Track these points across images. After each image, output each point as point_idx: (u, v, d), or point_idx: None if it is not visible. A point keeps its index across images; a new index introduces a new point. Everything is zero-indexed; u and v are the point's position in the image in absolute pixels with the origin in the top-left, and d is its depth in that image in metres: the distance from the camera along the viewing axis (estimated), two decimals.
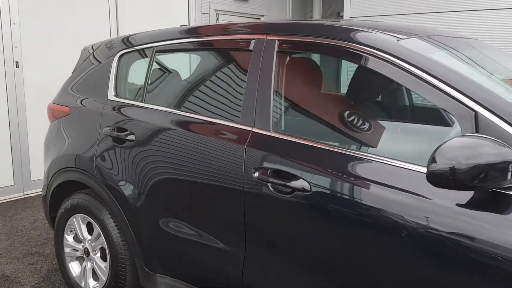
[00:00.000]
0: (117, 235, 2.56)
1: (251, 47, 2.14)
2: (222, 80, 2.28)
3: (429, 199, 1.52)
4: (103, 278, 2.67)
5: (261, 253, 1.97)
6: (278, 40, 2.06)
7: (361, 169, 1.69)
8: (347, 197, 1.69)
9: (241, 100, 2.11)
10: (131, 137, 2.44)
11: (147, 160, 2.36)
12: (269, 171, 1.89)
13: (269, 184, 1.88)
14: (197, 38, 2.39)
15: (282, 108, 2.03)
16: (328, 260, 1.77)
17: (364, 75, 2.12)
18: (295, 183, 1.81)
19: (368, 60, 1.80)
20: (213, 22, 6.93)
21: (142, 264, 2.47)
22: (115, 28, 5.72)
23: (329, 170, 1.75)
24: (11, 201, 4.89)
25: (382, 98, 2.27)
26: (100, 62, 2.87)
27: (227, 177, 2.04)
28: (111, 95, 2.70)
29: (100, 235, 2.65)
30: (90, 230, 2.75)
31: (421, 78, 1.66)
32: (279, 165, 1.87)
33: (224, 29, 2.30)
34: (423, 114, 2.27)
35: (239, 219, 2.00)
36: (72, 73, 3.09)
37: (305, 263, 1.84)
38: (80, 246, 2.82)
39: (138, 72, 2.73)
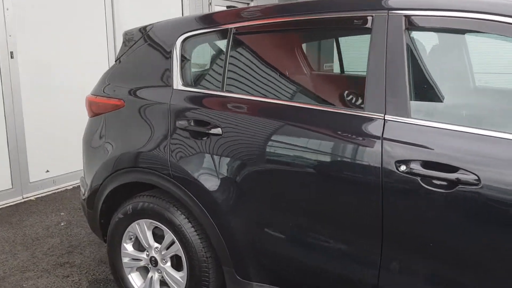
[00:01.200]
0: (197, 241, 2.28)
1: (368, 25, 1.91)
2: (329, 64, 2.04)
3: None
4: None
5: (405, 257, 1.77)
6: (405, 15, 1.84)
7: None
8: None
9: (359, 85, 1.88)
10: (216, 130, 2.16)
11: (241, 155, 2.09)
12: (419, 163, 1.69)
13: (419, 178, 1.68)
14: (292, 17, 2.12)
15: (423, 91, 1.83)
16: (495, 266, 1.59)
17: None
18: (459, 176, 1.61)
19: None
20: (206, 8, 6.57)
21: (233, 271, 2.20)
22: (110, 15, 5.29)
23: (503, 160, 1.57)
24: (11, 206, 4.41)
25: None
26: (156, 48, 2.54)
27: (356, 172, 1.82)
28: (177, 84, 2.39)
29: (173, 242, 2.36)
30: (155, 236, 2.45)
31: None
32: (436, 156, 1.67)
33: (324, 5, 2.05)
34: None
35: (374, 217, 1.79)
36: (116, 60, 2.73)
37: (466, 268, 1.66)
38: (143, 255, 2.51)
39: (205, 57, 2.45)
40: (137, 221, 2.46)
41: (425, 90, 1.86)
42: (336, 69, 2.02)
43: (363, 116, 1.85)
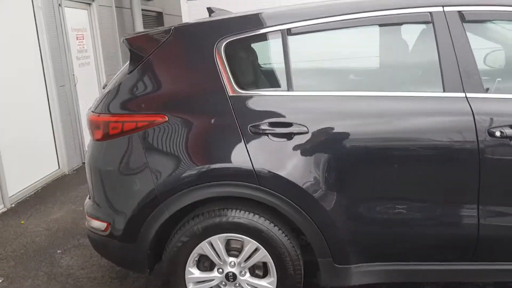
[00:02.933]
0: (287, 242, 2.29)
1: (427, 19, 2.24)
2: (402, 55, 2.30)
3: None
4: None
5: (499, 214, 2.18)
6: (458, 11, 2.23)
7: None
8: None
9: (436, 71, 2.20)
10: (302, 129, 2.20)
11: (333, 150, 2.20)
12: (505, 126, 2.10)
13: (508, 140, 2.11)
14: (354, 15, 2.29)
15: (487, 71, 2.24)
16: None
17: None
18: None
19: None
20: (56, 8, 5.84)
21: (331, 261, 2.30)
22: None
23: None
24: None
25: None
26: (191, 53, 2.37)
27: (454, 144, 2.14)
28: (232, 89, 2.29)
29: (256, 250, 2.30)
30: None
31: None
32: None
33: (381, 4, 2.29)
34: None
35: (473, 178, 2.15)
36: (129, 72, 2.41)
37: None
38: (214, 274, 2.37)
39: (252, 59, 2.42)
40: (208, 239, 2.31)
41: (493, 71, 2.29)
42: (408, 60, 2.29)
43: (446, 97, 2.18)
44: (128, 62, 2.49)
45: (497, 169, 2.15)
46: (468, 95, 2.17)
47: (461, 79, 2.18)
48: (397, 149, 2.19)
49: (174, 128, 2.28)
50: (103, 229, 2.46)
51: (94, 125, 2.45)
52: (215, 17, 2.54)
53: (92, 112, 2.49)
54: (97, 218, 2.48)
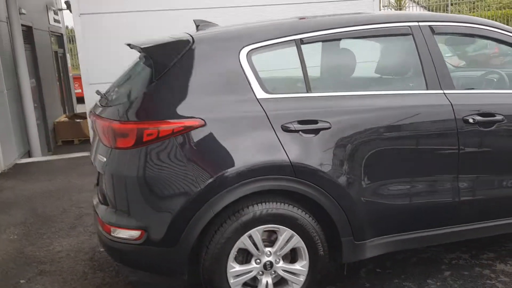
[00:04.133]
0: (317, 226, 2.58)
1: (407, 31, 2.77)
2: (394, 60, 2.78)
3: None
4: (300, 278, 2.60)
5: (474, 182, 2.78)
6: (429, 25, 2.81)
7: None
8: None
9: (420, 74, 2.74)
10: (326, 124, 2.53)
11: (353, 141, 2.57)
12: (475, 114, 2.71)
13: (478, 125, 2.72)
14: (356, 27, 2.71)
15: (452, 70, 2.84)
16: None
17: None
18: (497, 118, 2.75)
19: None
20: None
21: (352, 239, 2.64)
22: None
23: None
24: None
25: None
26: (216, 60, 2.53)
27: (441, 130, 2.68)
28: (260, 93, 2.52)
29: (291, 238, 2.54)
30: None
31: None
32: (484, 109, 2.74)
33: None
34: None
35: (455, 158, 2.72)
36: (156, 79, 2.46)
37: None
38: (252, 265, 2.54)
39: (272, 65, 2.68)
40: (248, 232, 2.47)
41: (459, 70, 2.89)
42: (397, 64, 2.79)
43: (430, 93, 2.72)
44: (136, 68, 2.55)
45: (471, 147, 2.75)
46: (445, 91, 2.74)
47: (438, 79, 2.75)
48: (398, 136, 2.66)
49: (212, 131, 2.41)
50: (136, 237, 2.45)
51: (119, 133, 2.43)
52: (236, 26, 2.74)
53: (113, 120, 2.47)
54: (128, 227, 2.46)
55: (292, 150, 2.47)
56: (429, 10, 18.69)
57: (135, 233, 2.44)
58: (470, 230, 2.85)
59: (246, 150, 2.45)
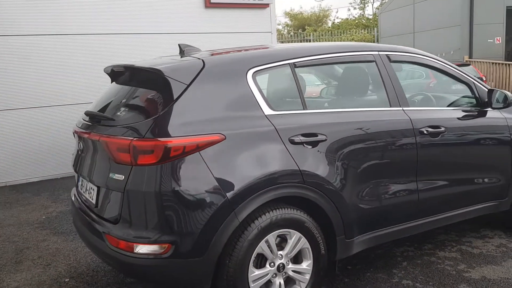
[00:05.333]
0: (318, 228, 2.89)
1: (372, 59, 3.31)
2: (366, 82, 3.26)
3: None
4: (306, 277, 2.87)
5: (428, 182, 3.35)
6: (386, 54, 3.38)
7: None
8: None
9: (384, 93, 3.28)
10: (322, 137, 2.89)
11: (345, 153, 2.96)
12: (427, 127, 3.32)
13: (429, 135, 3.33)
14: (334, 54, 3.15)
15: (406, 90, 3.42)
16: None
17: None
18: (441, 130, 3.38)
19: None
20: None
21: (344, 237, 3.00)
22: None
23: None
24: None
25: None
26: (226, 81, 2.73)
27: (405, 140, 3.22)
28: (267, 110, 2.78)
29: (299, 240, 2.81)
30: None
31: None
32: (432, 123, 3.35)
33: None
34: None
35: (414, 162, 3.27)
36: (175, 98, 2.58)
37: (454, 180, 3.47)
38: (267, 269, 2.74)
39: (272, 85, 2.97)
40: (265, 238, 2.69)
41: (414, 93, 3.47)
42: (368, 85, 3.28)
43: (393, 110, 3.26)
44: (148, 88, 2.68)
45: (425, 153, 3.34)
46: (404, 108, 3.31)
47: (397, 98, 3.31)
48: (374, 145, 3.12)
49: (231, 145, 2.60)
50: (161, 251, 2.50)
51: (142, 150, 2.49)
52: (242, 50, 2.96)
53: (134, 137, 2.52)
54: (152, 242, 2.50)
55: (299, 160, 2.77)
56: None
57: (160, 248, 2.50)
58: (427, 222, 3.42)
59: (263, 161, 2.68)
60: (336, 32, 26.75)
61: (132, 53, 7.29)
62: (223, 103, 2.70)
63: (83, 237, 3.06)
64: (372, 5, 33.28)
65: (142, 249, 2.51)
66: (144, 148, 2.49)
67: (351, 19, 32.33)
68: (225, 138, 2.59)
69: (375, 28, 24.05)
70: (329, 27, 33.96)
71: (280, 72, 3.02)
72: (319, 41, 24.28)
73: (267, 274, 2.75)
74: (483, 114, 3.72)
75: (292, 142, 2.77)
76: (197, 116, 2.61)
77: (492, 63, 13.81)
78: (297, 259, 2.89)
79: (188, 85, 2.63)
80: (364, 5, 33.21)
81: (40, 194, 6.13)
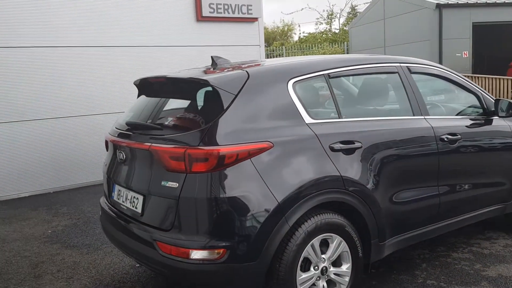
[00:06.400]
0: (356, 231, 3.01)
1: (395, 70, 3.49)
2: (389, 91, 3.43)
3: None
4: (345, 279, 2.98)
5: (446, 187, 3.54)
6: (407, 66, 3.57)
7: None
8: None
9: (407, 103, 3.46)
10: (358, 144, 3.03)
11: (378, 159, 3.10)
12: (447, 134, 3.52)
13: (449, 142, 3.52)
14: (362, 65, 3.31)
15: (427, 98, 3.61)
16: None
17: None
18: (457, 136, 3.59)
19: None
20: None
21: (377, 241, 3.13)
22: None
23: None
24: None
25: None
26: (269, 91, 2.83)
27: (428, 147, 3.40)
28: (308, 119, 2.89)
29: (340, 244, 2.92)
30: None
31: None
32: (450, 130, 3.55)
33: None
34: None
35: (436, 168, 3.46)
36: (226, 109, 2.65)
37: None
38: (312, 272, 2.83)
39: (310, 95, 3.09)
40: (311, 242, 2.79)
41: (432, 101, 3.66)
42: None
43: (416, 119, 3.44)
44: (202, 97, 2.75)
45: (446, 160, 3.53)
46: (425, 117, 3.50)
47: (419, 107, 3.49)
48: (402, 152, 3.28)
49: (279, 152, 2.70)
50: (216, 257, 2.55)
51: (197, 158, 2.55)
52: (283, 61, 3.07)
53: (188, 146, 2.58)
54: (208, 248, 2.55)
55: (340, 166, 2.89)
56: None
57: (216, 253, 2.55)
58: (446, 225, 3.60)
59: (309, 167, 2.79)
60: (304, 46, 27.27)
61: (129, 66, 7.30)
62: (267, 112, 2.80)
63: (122, 245, 3.07)
64: (339, 20, 34.18)
65: (197, 254, 2.56)
66: (199, 156, 2.55)
67: (318, 33, 32.99)
68: (273, 146, 2.68)
69: (345, 42, 24.71)
70: (296, 41, 34.57)
71: (317, 82, 3.15)
72: (291, 55, 24.71)
73: (312, 277, 2.84)
74: (490, 122, 3.95)
75: (332, 149, 2.89)
76: (245, 124, 2.69)
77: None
78: (335, 262, 2.99)
79: (236, 95, 2.72)
80: (331, 20, 34.02)
81: (37, 209, 6.00)
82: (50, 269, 3.97)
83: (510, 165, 4.02)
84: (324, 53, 23.83)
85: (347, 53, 22.85)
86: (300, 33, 42.48)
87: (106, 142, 3.35)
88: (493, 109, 3.98)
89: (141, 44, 7.53)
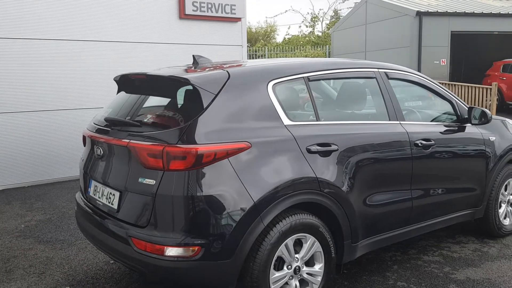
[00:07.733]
0: (329, 232, 3.06)
1: (373, 75, 3.56)
2: (367, 96, 3.50)
3: None
4: (318, 279, 3.03)
5: (419, 191, 3.62)
6: (385, 72, 3.65)
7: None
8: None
9: (383, 108, 3.53)
10: (334, 147, 3.08)
11: (353, 162, 3.16)
12: (421, 140, 3.60)
13: (423, 147, 3.61)
14: (341, 70, 3.37)
15: (403, 104, 3.68)
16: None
17: None
18: (431, 142, 3.68)
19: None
20: None
21: (350, 242, 3.19)
22: None
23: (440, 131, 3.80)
24: None
25: None
26: (249, 93, 2.86)
27: (403, 151, 3.48)
28: (286, 121, 2.94)
29: (313, 244, 2.97)
30: None
31: None
32: (424, 136, 3.63)
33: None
34: None
35: (409, 172, 3.54)
36: (206, 108, 2.67)
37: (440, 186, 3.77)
38: (285, 271, 2.87)
39: (289, 97, 3.14)
40: (285, 241, 2.83)
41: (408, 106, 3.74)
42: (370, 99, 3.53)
43: (391, 123, 3.52)
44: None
45: (420, 164, 3.61)
46: (401, 122, 3.58)
47: (395, 113, 3.57)
48: (377, 155, 3.35)
49: (257, 153, 2.74)
50: (191, 254, 2.57)
51: (175, 156, 2.57)
52: (264, 63, 3.11)
53: (166, 144, 2.59)
54: (183, 245, 2.57)
55: (316, 168, 2.95)
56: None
57: (191, 250, 2.57)
58: (417, 228, 3.69)
59: (286, 168, 2.83)
60: (286, 48, 27.40)
61: (109, 61, 7.24)
62: (246, 113, 2.83)
63: (97, 241, 3.06)
64: (322, 23, 34.43)
65: (172, 251, 2.58)
66: (177, 154, 2.57)
67: (301, 36, 33.18)
68: (251, 146, 2.72)
69: (327, 46, 24.91)
70: (279, 43, 34.72)
71: (297, 85, 3.19)
72: (274, 57, 24.78)
73: (285, 276, 2.88)
74: (463, 129, 4.06)
75: (309, 151, 2.94)
76: (224, 124, 2.72)
77: (439, 83, 14.74)
78: (308, 262, 3.04)
79: (216, 95, 2.74)
80: (314, 23, 34.25)
81: (11, 202, 5.91)
82: (22, 264, 3.92)
83: (481, 171, 4.14)
84: (306, 56, 24.00)
85: (329, 56, 23.05)
86: (287, 34, 42.60)
87: (84, 138, 3.33)
88: (466, 116, 4.09)
89: (122, 40, 7.48)
